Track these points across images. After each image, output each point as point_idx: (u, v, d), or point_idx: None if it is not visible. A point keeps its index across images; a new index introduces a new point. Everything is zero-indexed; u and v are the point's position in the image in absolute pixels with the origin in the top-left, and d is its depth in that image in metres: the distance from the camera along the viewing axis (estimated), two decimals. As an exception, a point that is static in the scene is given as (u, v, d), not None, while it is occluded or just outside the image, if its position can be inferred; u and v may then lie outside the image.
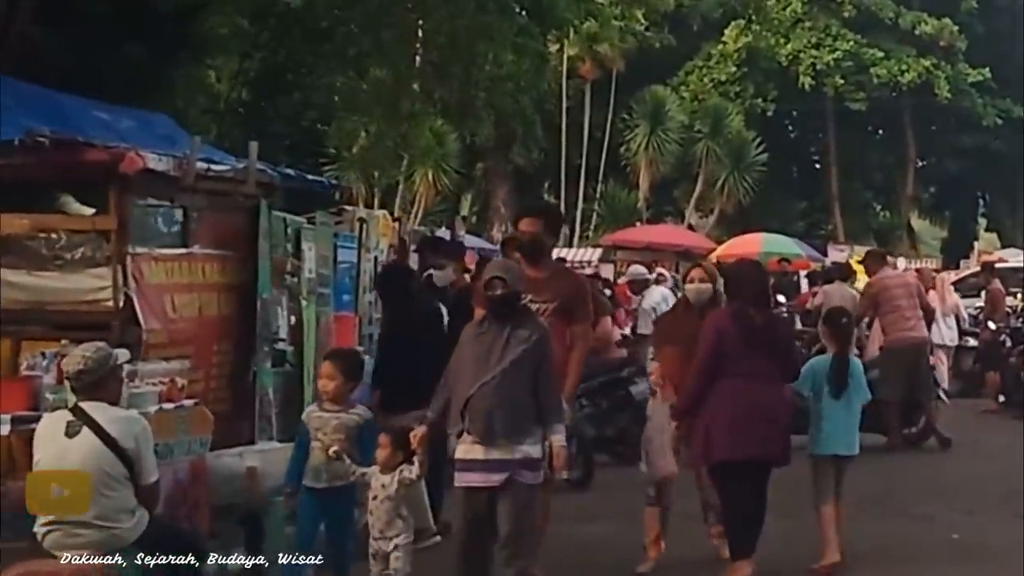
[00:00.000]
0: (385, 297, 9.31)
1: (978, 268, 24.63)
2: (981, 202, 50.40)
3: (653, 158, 38.16)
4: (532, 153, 39.23)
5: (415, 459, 6.37)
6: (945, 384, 17.85)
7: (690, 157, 39.07)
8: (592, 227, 39.04)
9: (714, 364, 7.21)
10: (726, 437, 7.16)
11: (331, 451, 6.54)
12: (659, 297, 14.42)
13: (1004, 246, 37.72)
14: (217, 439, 7.72)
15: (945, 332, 17.88)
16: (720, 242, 31.59)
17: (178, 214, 7.69)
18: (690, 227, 38.76)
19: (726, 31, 42.06)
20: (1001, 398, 16.11)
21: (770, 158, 39.33)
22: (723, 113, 39.21)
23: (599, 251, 31.63)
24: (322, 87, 17.20)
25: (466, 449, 6.31)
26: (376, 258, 13.09)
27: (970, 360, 17.98)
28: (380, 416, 8.16)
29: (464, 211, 41.33)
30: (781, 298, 23.57)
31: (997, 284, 18.38)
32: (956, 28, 41.12)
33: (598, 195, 40.01)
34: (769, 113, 42.29)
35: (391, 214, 19.48)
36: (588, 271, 22.85)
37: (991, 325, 17.52)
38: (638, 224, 36.38)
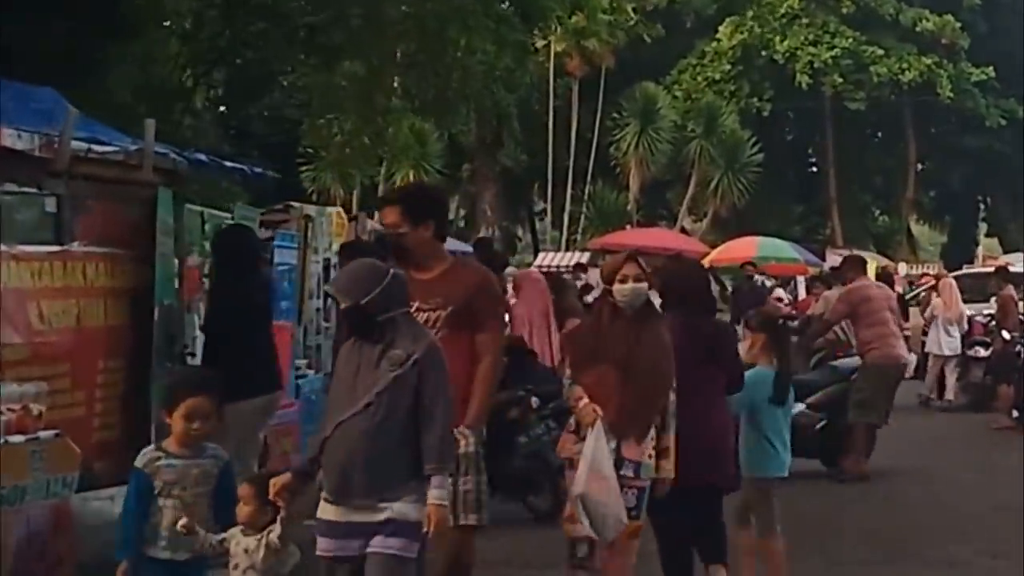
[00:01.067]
0: (220, 262, 7.82)
1: (984, 268, 23.56)
2: (982, 206, 49.64)
3: (644, 158, 37.20)
4: (520, 154, 38.27)
5: (279, 517, 4.87)
6: (951, 397, 16.82)
7: (683, 158, 38.18)
8: (580, 230, 38.05)
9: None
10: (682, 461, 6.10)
11: (180, 524, 4.89)
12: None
13: (1006, 251, 36.92)
14: (103, 475, 6.53)
15: (946, 341, 16.86)
16: (714, 246, 30.80)
17: (49, 204, 6.41)
18: (683, 230, 37.96)
19: (720, 28, 41.46)
20: (1015, 413, 14.85)
21: (766, 159, 38.44)
22: (717, 112, 38.33)
23: (587, 255, 30.59)
24: (283, 79, 16.06)
25: (322, 507, 4.84)
26: (329, 260, 12.01)
27: (980, 371, 16.86)
28: None
29: (450, 214, 40.36)
30: (784, 297, 22.50)
31: (1010, 290, 17.10)
32: (959, 25, 40.35)
33: (587, 197, 39.02)
34: (765, 112, 41.53)
35: (371, 216, 18.28)
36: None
37: (1004, 334, 16.29)
38: (628, 227, 35.43)
